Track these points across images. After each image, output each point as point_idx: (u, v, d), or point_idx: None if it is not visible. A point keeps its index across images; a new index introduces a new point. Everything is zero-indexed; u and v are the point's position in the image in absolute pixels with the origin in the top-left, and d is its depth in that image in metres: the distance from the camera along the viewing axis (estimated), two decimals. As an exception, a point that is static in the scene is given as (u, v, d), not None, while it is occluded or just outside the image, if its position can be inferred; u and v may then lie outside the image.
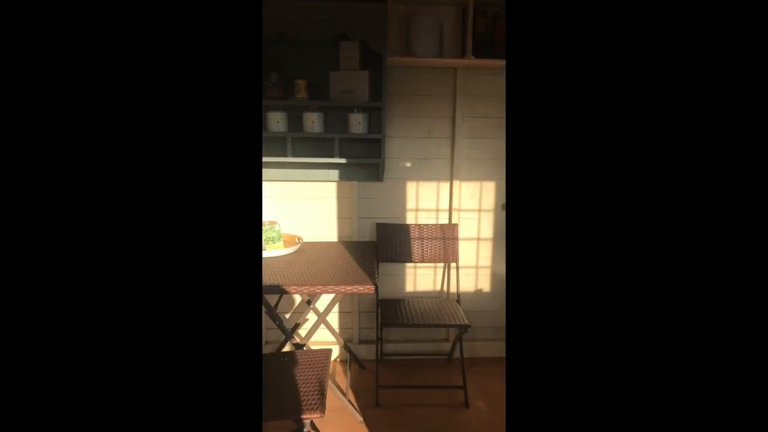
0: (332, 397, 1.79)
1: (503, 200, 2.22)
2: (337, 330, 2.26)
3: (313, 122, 1.94)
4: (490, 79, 2.10)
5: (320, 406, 1.27)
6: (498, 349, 2.34)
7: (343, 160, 1.98)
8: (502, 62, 1.97)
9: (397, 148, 2.14)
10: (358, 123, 1.95)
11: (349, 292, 1.54)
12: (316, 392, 1.33)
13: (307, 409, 1.25)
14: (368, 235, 2.20)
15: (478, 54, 1.93)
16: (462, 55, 2.00)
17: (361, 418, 1.81)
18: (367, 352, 2.28)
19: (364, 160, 2.04)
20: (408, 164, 2.16)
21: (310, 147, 2.04)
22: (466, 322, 1.86)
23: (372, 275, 1.64)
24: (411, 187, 2.19)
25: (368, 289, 1.54)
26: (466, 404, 1.92)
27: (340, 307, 2.27)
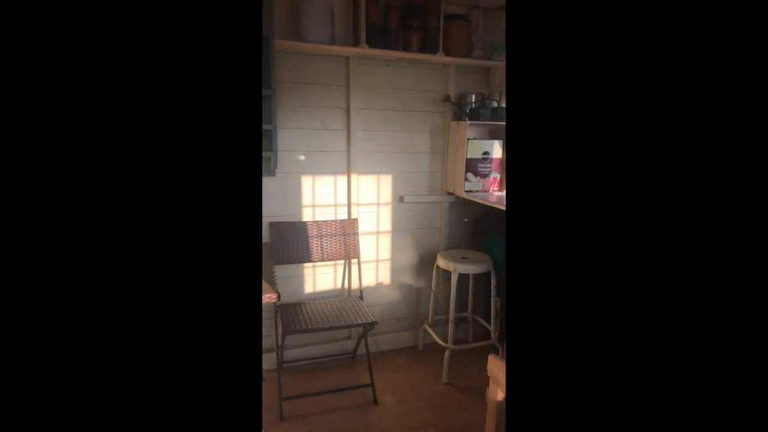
0: (230, 420, 1.59)
1: (400, 193, 2.22)
2: (230, 342, 2.04)
3: (190, 110, 1.68)
4: (383, 70, 2.07)
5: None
6: (400, 340, 2.37)
7: (228, 154, 1.76)
8: (396, 53, 1.95)
9: (290, 141, 1.98)
10: (244, 112, 1.75)
11: (246, 303, 1.37)
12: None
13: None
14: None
15: (371, 43, 1.88)
16: (355, 43, 1.92)
17: (265, 438, 1.65)
18: (264, 362, 2.10)
19: (253, 154, 1.84)
20: (302, 157, 2.02)
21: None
22: (372, 318, 1.82)
23: (272, 281, 1.49)
24: (307, 182, 2.05)
25: (269, 297, 1.38)
26: (375, 401, 1.89)
27: (233, 317, 2.04)
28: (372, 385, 1.90)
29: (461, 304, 2.41)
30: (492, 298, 2.13)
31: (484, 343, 2.16)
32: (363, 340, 1.97)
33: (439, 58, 2.00)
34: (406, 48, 1.99)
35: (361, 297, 2.08)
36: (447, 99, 2.17)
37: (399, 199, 2.23)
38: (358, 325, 1.81)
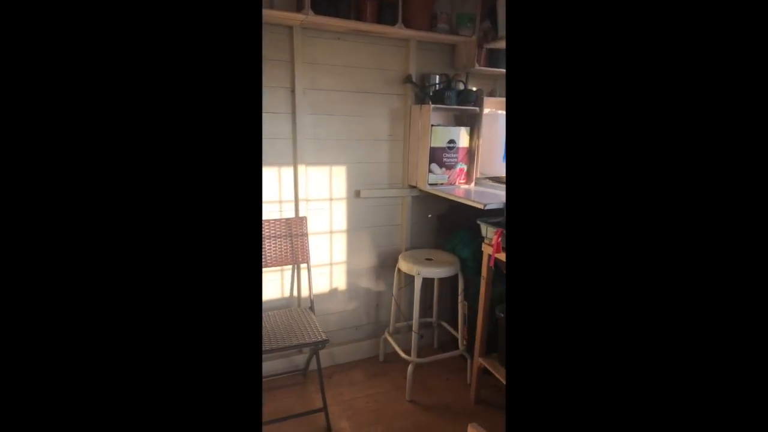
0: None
1: (356, 186, 1.95)
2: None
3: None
4: (333, 43, 1.78)
5: None
6: (358, 351, 2.12)
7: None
8: (348, 23, 1.66)
9: (222, 126, 1.66)
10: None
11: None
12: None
13: None
14: (190, 238, 1.69)
15: (317, 10, 1.58)
16: (298, 9, 1.61)
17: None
18: (200, 387, 1.80)
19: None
20: (238, 146, 1.70)
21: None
22: (323, 336, 1.56)
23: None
24: (244, 175, 1.74)
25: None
26: (329, 429, 1.64)
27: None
28: (325, 409, 1.65)
29: (426, 308, 2.19)
30: (459, 303, 1.92)
31: (451, 353, 1.95)
32: (315, 356, 1.70)
33: (398, 30, 1.73)
34: (359, 17, 1.70)
35: (311, 308, 1.81)
36: (408, 79, 1.91)
37: (355, 194, 1.96)
38: (308, 344, 1.55)
